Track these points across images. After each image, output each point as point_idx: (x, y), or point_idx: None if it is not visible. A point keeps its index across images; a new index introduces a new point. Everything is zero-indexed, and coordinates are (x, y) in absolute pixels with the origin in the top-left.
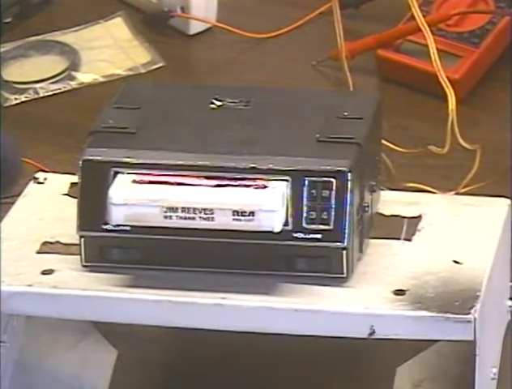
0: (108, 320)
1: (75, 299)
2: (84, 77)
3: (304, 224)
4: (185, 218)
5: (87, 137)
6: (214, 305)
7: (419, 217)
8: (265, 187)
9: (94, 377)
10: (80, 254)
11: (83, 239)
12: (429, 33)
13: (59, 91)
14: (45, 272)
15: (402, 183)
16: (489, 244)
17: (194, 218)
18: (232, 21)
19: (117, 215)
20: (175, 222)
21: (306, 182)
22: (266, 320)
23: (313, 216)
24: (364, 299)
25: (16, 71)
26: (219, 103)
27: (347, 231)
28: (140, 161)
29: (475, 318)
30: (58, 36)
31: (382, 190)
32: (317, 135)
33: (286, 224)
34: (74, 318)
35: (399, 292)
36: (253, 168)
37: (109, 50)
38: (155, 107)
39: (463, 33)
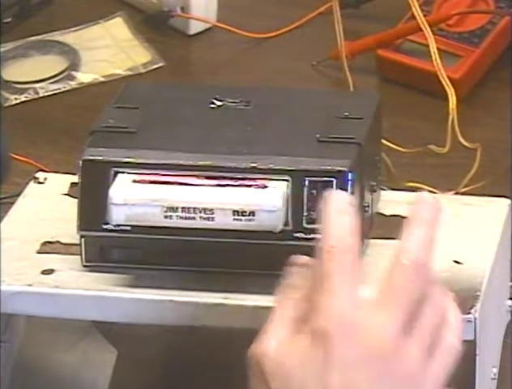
0: (108, 320)
1: (75, 299)
2: (84, 77)
3: (304, 224)
4: (186, 218)
5: (87, 137)
6: (214, 305)
7: None
8: (265, 187)
9: (94, 377)
10: (80, 254)
11: (83, 239)
12: (430, 33)
13: (59, 91)
14: (45, 272)
15: (402, 183)
16: (489, 244)
17: (194, 218)
18: (232, 21)
19: (118, 215)
20: (175, 222)
21: (307, 182)
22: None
23: (314, 216)
24: None
25: (16, 71)
26: (219, 103)
27: None
28: (140, 161)
29: (475, 318)
30: (58, 36)
31: (382, 189)
32: (318, 135)
33: (286, 224)
34: (74, 318)
35: None
36: (254, 167)
37: (109, 50)
38: (155, 107)
39: (463, 33)
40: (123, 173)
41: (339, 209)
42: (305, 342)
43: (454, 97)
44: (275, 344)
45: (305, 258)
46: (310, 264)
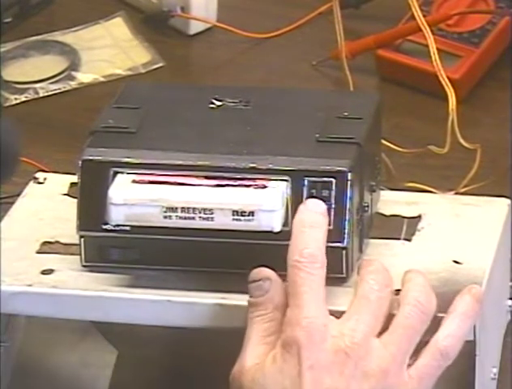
0: (108, 320)
1: (75, 299)
2: (84, 77)
3: None
4: (185, 218)
5: (87, 137)
6: (214, 305)
7: (419, 217)
8: (265, 187)
9: (94, 377)
10: (80, 254)
11: (82, 239)
12: (429, 33)
13: (59, 91)
14: (45, 272)
15: (402, 183)
16: (489, 244)
17: (193, 218)
18: (232, 21)
19: (117, 215)
20: (175, 222)
21: (306, 182)
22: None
23: None
24: None
25: (16, 71)
26: (218, 103)
27: (346, 231)
28: (140, 161)
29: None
30: (58, 36)
31: (382, 190)
32: (317, 135)
33: (286, 224)
34: (74, 318)
35: (399, 292)
36: (253, 168)
37: (109, 50)
38: (155, 107)
39: (463, 33)
40: (122, 173)
41: (309, 221)
42: (279, 354)
43: (454, 98)
44: (251, 362)
45: (265, 272)
46: (271, 277)
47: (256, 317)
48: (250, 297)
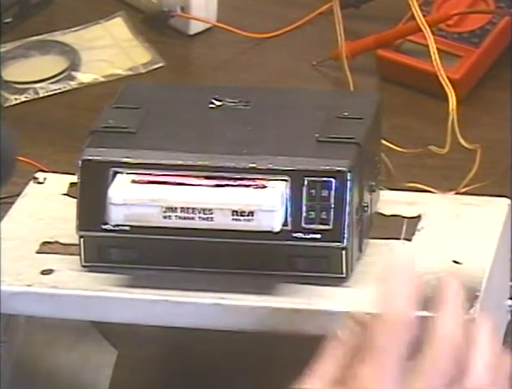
0: (107, 320)
1: (75, 299)
2: (84, 77)
3: (303, 224)
4: (185, 218)
5: (86, 137)
6: (213, 305)
7: (419, 217)
8: (264, 187)
9: (94, 377)
10: (80, 254)
11: (82, 239)
12: (429, 33)
13: (59, 91)
14: (45, 272)
15: (402, 183)
16: (489, 244)
17: (193, 218)
18: (232, 21)
19: (117, 215)
20: (174, 222)
21: (305, 182)
22: (265, 320)
23: (313, 216)
24: (363, 299)
25: (16, 71)
26: (218, 103)
27: (346, 231)
28: (139, 161)
29: (474, 319)
30: (58, 36)
31: (382, 190)
32: (317, 135)
33: (285, 224)
34: (74, 318)
35: None
36: (253, 168)
37: (109, 50)
38: (155, 107)
39: (463, 33)
40: (122, 173)
41: (405, 279)
42: None
43: (454, 98)
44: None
45: (362, 315)
46: (366, 323)
47: (330, 356)
48: (338, 332)
